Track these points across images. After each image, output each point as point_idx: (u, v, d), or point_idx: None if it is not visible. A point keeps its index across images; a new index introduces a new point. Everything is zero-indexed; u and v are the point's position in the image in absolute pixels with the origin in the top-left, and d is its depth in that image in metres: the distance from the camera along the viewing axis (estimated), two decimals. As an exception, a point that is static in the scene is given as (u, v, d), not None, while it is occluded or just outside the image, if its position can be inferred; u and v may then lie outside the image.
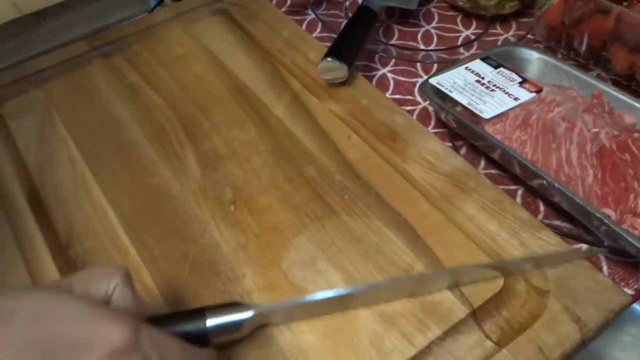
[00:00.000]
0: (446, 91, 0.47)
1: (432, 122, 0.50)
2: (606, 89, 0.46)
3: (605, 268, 0.39)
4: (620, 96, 0.46)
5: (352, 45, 0.50)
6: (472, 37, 0.60)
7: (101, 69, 0.54)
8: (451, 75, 0.48)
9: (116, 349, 0.24)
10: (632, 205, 0.38)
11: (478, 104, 0.45)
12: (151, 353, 0.25)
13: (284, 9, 0.63)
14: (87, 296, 0.27)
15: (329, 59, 0.48)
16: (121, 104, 0.50)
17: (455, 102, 0.46)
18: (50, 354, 0.23)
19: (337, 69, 0.48)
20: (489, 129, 0.45)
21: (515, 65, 0.51)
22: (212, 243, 0.39)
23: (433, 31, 0.61)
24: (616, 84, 0.50)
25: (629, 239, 0.35)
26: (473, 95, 0.46)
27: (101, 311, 0.25)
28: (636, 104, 0.45)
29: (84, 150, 0.46)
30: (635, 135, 0.42)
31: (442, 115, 0.48)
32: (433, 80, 0.48)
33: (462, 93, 0.46)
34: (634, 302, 0.39)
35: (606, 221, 0.36)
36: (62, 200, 0.43)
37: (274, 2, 0.64)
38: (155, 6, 0.67)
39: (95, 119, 0.49)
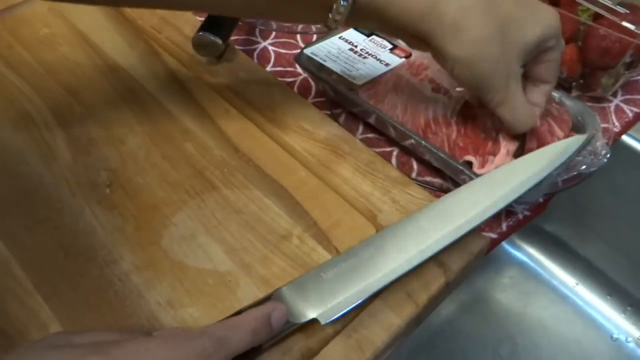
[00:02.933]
0: (320, 61, 0.48)
1: (313, 92, 0.51)
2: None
3: (472, 216, 0.43)
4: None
5: (227, 20, 0.50)
6: (350, 7, 0.61)
7: (-44, 56, 0.50)
8: (326, 45, 0.49)
9: None
10: (490, 149, 0.41)
11: (351, 71, 0.47)
12: None
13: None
14: None
15: (202, 33, 0.47)
16: (-19, 91, 0.47)
17: (331, 71, 0.48)
18: None
19: (211, 44, 0.48)
20: (362, 94, 0.46)
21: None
22: (88, 228, 0.38)
23: (312, 3, 0.61)
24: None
25: (486, 187, 0.39)
26: (346, 63, 0.48)
27: None
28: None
29: (-61, 143, 0.43)
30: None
31: (320, 85, 0.49)
32: (308, 51, 0.48)
33: (335, 62, 0.48)
34: (497, 243, 0.43)
35: (466, 171, 0.40)
36: None
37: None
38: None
39: (-48, 110, 0.45)
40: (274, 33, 0.57)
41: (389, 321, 0.33)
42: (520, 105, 0.38)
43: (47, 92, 0.47)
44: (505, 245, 0.66)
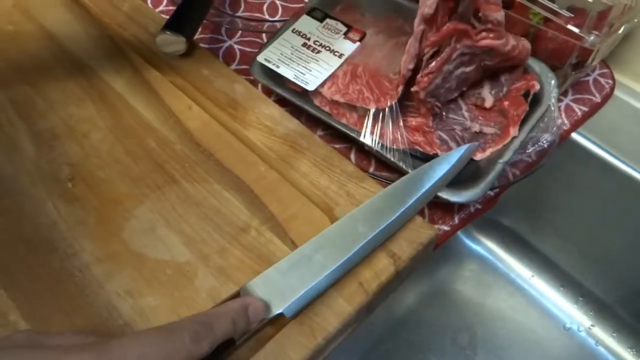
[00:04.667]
0: (274, 67, 0.48)
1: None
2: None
3: (426, 210, 0.45)
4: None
5: (191, 18, 0.51)
6: (316, 7, 0.63)
7: None
8: (278, 44, 0.49)
9: None
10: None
11: (304, 74, 0.47)
12: None
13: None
14: None
15: (166, 31, 0.48)
16: (-56, 87, 0.47)
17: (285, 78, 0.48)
18: None
19: (175, 42, 0.48)
20: (325, 92, 0.47)
21: (346, 4, 0.53)
22: (49, 221, 0.38)
23: (278, 2, 0.63)
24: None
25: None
26: (300, 65, 0.48)
27: None
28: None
29: None
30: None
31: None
32: (261, 57, 0.48)
33: (289, 65, 0.48)
34: (450, 235, 0.45)
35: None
36: None
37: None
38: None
39: None
40: (239, 32, 0.58)
41: (341, 309, 0.35)
42: None
43: (10, 87, 0.47)
44: (466, 240, 0.68)
